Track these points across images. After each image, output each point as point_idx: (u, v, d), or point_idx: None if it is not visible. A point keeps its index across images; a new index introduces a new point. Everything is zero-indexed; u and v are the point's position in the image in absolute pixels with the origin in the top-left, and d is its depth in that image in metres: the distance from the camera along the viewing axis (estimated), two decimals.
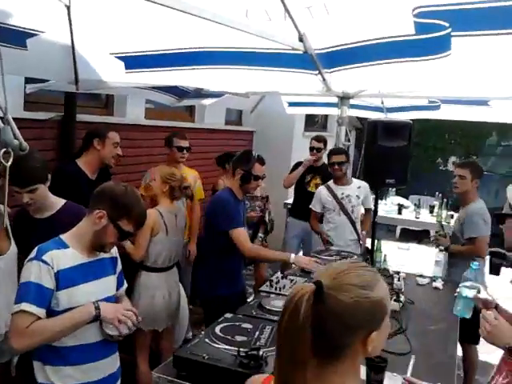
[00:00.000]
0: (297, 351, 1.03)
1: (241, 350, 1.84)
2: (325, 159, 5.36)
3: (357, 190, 4.39)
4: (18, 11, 2.38)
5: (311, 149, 5.33)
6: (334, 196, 4.35)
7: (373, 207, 4.47)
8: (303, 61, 2.80)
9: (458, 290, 2.43)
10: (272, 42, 2.53)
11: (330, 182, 4.46)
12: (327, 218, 4.44)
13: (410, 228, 8.71)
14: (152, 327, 3.15)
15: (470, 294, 2.28)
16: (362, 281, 1.10)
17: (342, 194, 4.35)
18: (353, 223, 4.33)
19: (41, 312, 1.86)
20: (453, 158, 11.47)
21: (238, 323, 2.19)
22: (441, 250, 3.90)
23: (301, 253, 5.34)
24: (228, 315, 2.30)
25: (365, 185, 4.46)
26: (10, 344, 1.91)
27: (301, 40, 2.55)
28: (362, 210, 4.60)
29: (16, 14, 2.40)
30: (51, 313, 1.90)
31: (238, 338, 2.02)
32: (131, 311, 2.08)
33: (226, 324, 2.17)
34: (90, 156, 3.29)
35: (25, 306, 1.83)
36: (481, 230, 3.67)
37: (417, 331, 2.61)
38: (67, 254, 1.96)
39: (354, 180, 4.49)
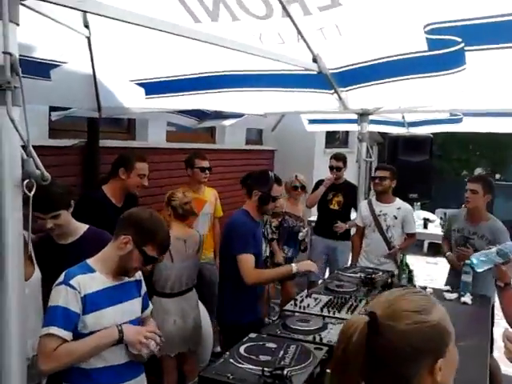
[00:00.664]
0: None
1: (265, 369, 1.84)
2: (346, 176, 5.40)
3: (396, 210, 4.30)
4: (41, 44, 2.48)
5: (331, 168, 5.29)
6: (372, 211, 4.31)
7: (415, 231, 4.44)
8: (318, 81, 2.83)
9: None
10: (287, 64, 2.56)
11: (373, 198, 4.43)
12: (365, 233, 4.40)
13: (438, 242, 8.56)
14: (164, 352, 3.10)
15: (497, 258, 2.22)
16: (416, 306, 1.07)
17: (380, 211, 4.29)
18: (387, 242, 4.25)
19: (68, 335, 1.92)
20: (478, 170, 11.30)
21: (262, 343, 2.18)
22: (468, 265, 3.79)
23: (327, 271, 5.32)
24: (252, 335, 2.29)
25: (407, 207, 4.36)
26: (38, 367, 1.95)
27: (315, 61, 2.58)
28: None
29: (39, 47, 2.50)
30: (78, 335, 1.96)
31: (263, 358, 2.01)
32: (154, 333, 2.10)
33: (250, 344, 2.17)
34: (115, 184, 3.27)
35: (53, 330, 1.89)
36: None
37: None
38: (94, 279, 2.02)
39: (398, 200, 4.37)
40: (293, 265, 3.06)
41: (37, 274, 2.35)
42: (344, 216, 5.18)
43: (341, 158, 5.31)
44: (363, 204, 4.44)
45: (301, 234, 4.91)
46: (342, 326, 1.09)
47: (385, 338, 1.03)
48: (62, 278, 1.98)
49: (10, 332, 1.44)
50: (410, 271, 3.92)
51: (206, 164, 4.36)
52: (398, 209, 4.30)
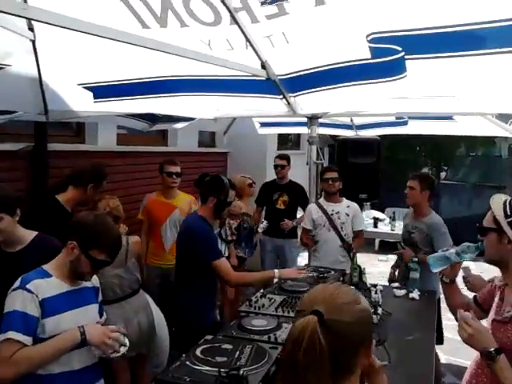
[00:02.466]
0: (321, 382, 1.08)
1: (221, 370, 1.86)
2: (291, 178, 5.52)
3: (346, 208, 4.42)
4: None
5: (275, 167, 5.49)
6: (324, 211, 4.39)
7: (363, 228, 4.59)
8: (267, 86, 2.88)
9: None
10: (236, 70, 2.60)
11: (321, 199, 4.53)
12: (317, 233, 4.44)
13: (388, 240, 8.85)
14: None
15: (453, 256, 2.28)
16: (350, 297, 1.17)
17: (332, 210, 4.39)
18: (342, 240, 4.36)
19: (27, 340, 1.88)
20: (425, 170, 11.72)
21: (218, 344, 2.20)
22: (417, 260, 3.93)
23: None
24: (208, 337, 2.31)
25: (354, 205, 4.50)
26: None
27: (263, 67, 2.63)
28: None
29: None
30: (37, 340, 1.92)
31: (219, 359, 2.03)
32: (118, 331, 2.07)
33: (206, 346, 2.18)
34: (75, 194, 3.09)
35: (11, 334, 1.85)
36: (450, 240, 3.82)
37: (395, 342, 2.65)
38: (50, 283, 2.00)
39: (345, 200, 4.51)
40: (275, 271, 3.09)
41: None
42: (290, 215, 5.34)
43: (284, 158, 5.53)
44: (312, 207, 4.51)
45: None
46: (291, 330, 1.13)
47: (334, 332, 1.10)
48: (17, 283, 1.95)
49: None
50: (361, 269, 4.04)
51: (173, 169, 4.36)
52: (348, 207, 4.44)
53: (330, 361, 1.08)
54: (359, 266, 3.91)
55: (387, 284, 3.94)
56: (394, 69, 2.36)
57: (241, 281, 3.23)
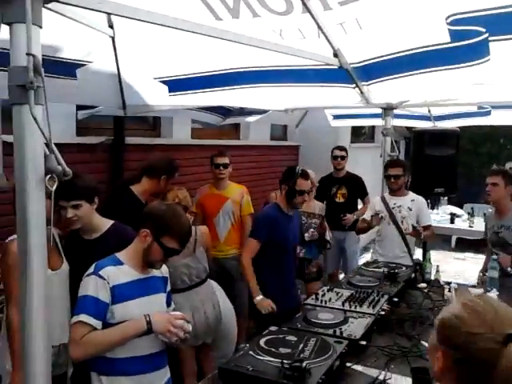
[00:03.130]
0: None
1: (284, 361, 1.85)
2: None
3: (410, 202, 4.27)
4: (66, 45, 2.55)
5: (334, 157, 5.47)
6: (386, 205, 4.28)
7: (430, 223, 4.38)
8: (340, 75, 2.82)
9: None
10: (308, 59, 2.56)
11: (386, 193, 4.41)
12: (379, 227, 4.35)
13: (465, 237, 8.42)
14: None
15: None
16: None
17: (394, 204, 4.27)
18: (402, 234, 4.23)
19: (97, 323, 1.99)
20: (510, 164, 11.01)
21: (282, 336, 2.20)
22: (496, 259, 3.73)
23: (341, 262, 5.37)
24: (273, 328, 2.32)
25: (420, 199, 4.33)
26: (68, 353, 2.02)
27: (335, 55, 2.57)
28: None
29: (65, 48, 2.57)
30: (106, 325, 2.03)
31: (282, 350, 2.03)
32: (182, 319, 2.14)
33: (270, 337, 2.19)
34: (148, 186, 3.30)
35: (83, 317, 1.97)
36: None
37: None
38: (122, 271, 2.10)
39: (410, 193, 4.36)
40: (258, 297, 3.25)
41: (65, 265, 2.45)
42: (350, 207, 5.28)
43: (343, 148, 5.53)
44: (376, 200, 4.41)
45: (306, 234, 4.72)
46: (503, 364, 0.99)
47: None
48: (91, 269, 2.06)
49: (34, 320, 1.49)
50: (436, 266, 3.88)
51: (221, 160, 4.37)
52: (412, 201, 4.27)
53: None
54: (431, 263, 3.77)
55: (462, 282, 3.75)
56: (477, 52, 2.22)
57: (244, 269, 3.37)
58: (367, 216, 4.38)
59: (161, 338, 2.12)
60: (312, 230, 4.74)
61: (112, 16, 2.52)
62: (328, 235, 4.87)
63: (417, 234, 4.12)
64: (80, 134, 3.94)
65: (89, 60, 2.80)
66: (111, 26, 2.66)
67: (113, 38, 2.73)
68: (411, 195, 4.32)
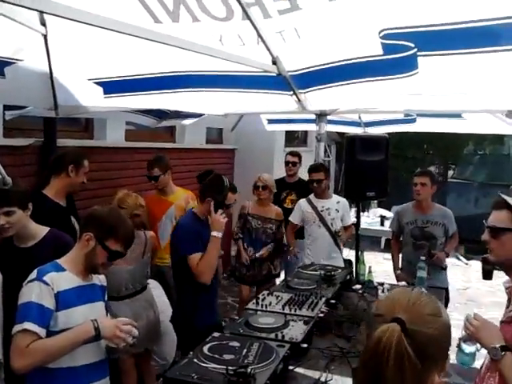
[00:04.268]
0: None
1: (229, 368, 1.86)
2: (300, 175, 5.51)
3: (336, 204, 4.50)
4: None
5: (286, 163, 5.51)
6: (314, 208, 4.44)
7: (352, 222, 4.67)
8: (277, 82, 2.88)
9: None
10: (246, 66, 2.59)
11: (311, 196, 4.55)
12: (307, 230, 4.53)
13: None
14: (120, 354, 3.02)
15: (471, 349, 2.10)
16: (433, 309, 1.12)
17: (322, 206, 4.44)
18: (333, 236, 4.40)
19: (42, 331, 1.90)
20: (432, 168, 11.68)
21: (225, 342, 2.20)
22: (424, 259, 3.94)
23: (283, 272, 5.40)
24: (216, 334, 2.31)
25: (344, 201, 4.58)
26: (11, 365, 1.90)
27: (274, 63, 2.62)
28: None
29: None
30: (49, 333, 1.93)
31: (227, 357, 2.02)
32: (130, 324, 2.10)
33: (213, 343, 2.18)
34: (59, 182, 3.03)
35: (27, 325, 1.86)
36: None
37: None
38: (64, 277, 2.03)
39: (334, 195, 4.61)
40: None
41: None
42: None
43: (296, 155, 5.55)
44: (302, 202, 4.57)
45: (257, 254, 4.75)
46: (372, 340, 1.07)
47: (416, 343, 1.05)
48: (33, 275, 1.97)
49: None
50: (370, 268, 4.04)
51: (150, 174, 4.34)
52: (338, 203, 4.51)
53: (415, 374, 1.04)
54: (365, 264, 3.92)
55: (393, 283, 3.93)
56: (406, 65, 2.35)
57: (204, 269, 2.91)
58: (293, 219, 4.56)
59: (107, 343, 2.07)
60: (263, 250, 4.78)
61: (45, 14, 2.42)
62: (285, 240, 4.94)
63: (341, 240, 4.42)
64: (7, 136, 3.73)
65: (19, 58, 2.67)
66: (43, 24, 2.56)
67: (45, 37, 2.63)
68: (335, 197, 4.57)
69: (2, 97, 3.01)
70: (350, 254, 4.84)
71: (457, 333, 2.49)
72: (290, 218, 4.65)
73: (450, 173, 12.30)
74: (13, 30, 2.34)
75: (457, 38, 2.04)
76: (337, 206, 4.47)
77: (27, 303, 1.91)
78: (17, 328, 1.88)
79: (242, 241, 4.88)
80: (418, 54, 2.23)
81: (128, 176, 4.99)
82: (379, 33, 2.19)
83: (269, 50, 2.53)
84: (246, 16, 2.23)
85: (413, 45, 2.19)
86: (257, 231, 4.82)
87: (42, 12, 2.25)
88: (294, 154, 5.54)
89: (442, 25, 2.03)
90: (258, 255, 4.77)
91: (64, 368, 2.00)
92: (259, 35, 2.37)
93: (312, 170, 4.46)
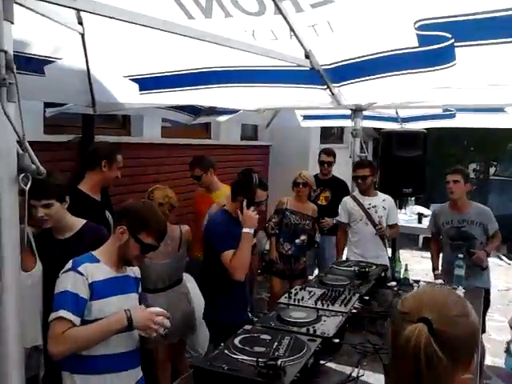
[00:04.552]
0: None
1: (259, 360, 1.86)
2: (334, 172, 5.44)
3: (382, 202, 4.35)
4: (35, 41, 2.50)
5: (321, 162, 5.40)
6: (361, 205, 4.32)
7: (399, 222, 4.48)
8: (311, 77, 2.85)
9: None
10: (279, 60, 2.59)
11: (356, 193, 4.45)
12: (353, 228, 4.39)
13: None
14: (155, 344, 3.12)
15: None
16: (462, 310, 1.11)
17: (369, 204, 4.31)
18: (380, 234, 4.29)
19: (76, 320, 1.96)
20: (473, 166, 11.35)
21: (256, 334, 2.21)
22: (462, 257, 3.85)
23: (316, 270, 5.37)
24: (247, 327, 2.32)
25: (390, 199, 4.41)
26: (38, 356, 1.96)
27: (307, 57, 2.60)
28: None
29: (33, 44, 2.52)
30: (83, 322, 2.00)
31: (257, 349, 2.03)
32: (162, 315, 2.13)
33: (245, 335, 2.19)
34: (94, 178, 3.08)
35: (62, 313, 1.93)
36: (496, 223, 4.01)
37: None
38: (98, 268, 2.09)
39: (379, 193, 4.44)
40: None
41: (38, 266, 2.41)
42: (332, 211, 5.13)
43: (331, 153, 5.42)
44: (348, 200, 4.45)
45: (297, 240, 4.73)
46: (400, 340, 1.08)
47: (443, 343, 1.05)
48: (69, 265, 2.04)
49: (7, 323, 1.46)
50: (406, 266, 3.97)
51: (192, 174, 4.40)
52: (384, 200, 4.36)
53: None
54: (400, 261, 3.85)
55: (430, 281, 3.86)
56: (443, 57, 2.29)
57: (239, 266, 2.92)
58: (340, 217, 4.47)
59: (140, 333, 2.12)
60: (303, 236, 4.74)
61: (82, 13, 2.48)
62: (318, 237, 4.93)
63: (383, 233, 4.25)
64: (48, 132, 3.86)
65: (57, 57, 2.75)
66: (81, 23, 2.62)
67: (82, 35, 2.70)
68: (381, 195, 4.41)
69: (43, 94, 3.11)
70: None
71: (499, 335, 2.40)
72: (338, 219, 4.56)
73: (492, 170, 11.90)
74: (51, 29, 2.41)
75: (497, 27, 1.97)
76: (383, 204, 4.32)
77: (63, 292, 1.97)
78: (53, 316, 1.95)
79: (276, 237, 4.86)
80: (456, 44, 2.17)
81: (164, 172, 5.07)
82: (414, 24, 2.14)
83: (301, 44, 2.52)
84: (279, 10, 2.22)
85: (449, 35, 2.12)
86: (296, 227, 4.79)
87: (80, 10, 2.30)
88: (329, 154, 5.40)
89: (480, 13, 1.96)
90: (297, 241, 4.72)
91: (97, 355, 2.05)
92: (292, 29, 2.36)
93: (357, 165, 4.36)
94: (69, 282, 1.99)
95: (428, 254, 4.89)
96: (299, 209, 4.79)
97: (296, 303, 2.74)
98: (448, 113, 5.18)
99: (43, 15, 2.01)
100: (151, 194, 3.39)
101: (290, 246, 4.76)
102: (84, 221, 2.55)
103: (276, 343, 2.09)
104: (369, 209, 4.30)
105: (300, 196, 4.77)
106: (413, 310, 1.11)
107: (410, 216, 7.46)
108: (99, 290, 2.04)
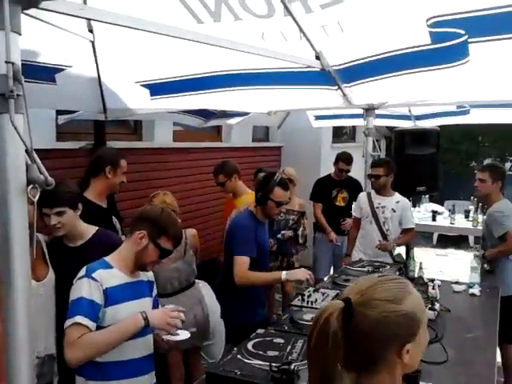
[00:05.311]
0: (329, 367, 1.08)
1: (273, 364, 1.85)
2: (354, 170, 5.41)
3: (395, 204, 4.27)
4: (45, 49, 2.51)
5: (340, 170, 5.36)
6: (370, 203, 4.31)
7: (412, 226, 4.35)
8: (322, 77, 2.83)
9: None
10: (290, 62, 2.57)
11: (372, 190, 4.42)
12: (362, 224, 4.41)
13: (447, 234, 8.53)
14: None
15: None
16: (389, 295, 1.13)
17: (379, 204, 4.28)
18: (383, 235, 4.25)
19: (92, 325, 1.97)
20: (488, 161, 11.19)
21: (269, 338, 2.20)
22: (477, 256, 3.82)
23: (332, 268, 5.33)
24: (260, 331, 2.32)
25: (405, 201, 4.34)
26: (51, 364, 1.95)
27: (317, 58, 2.58)
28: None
29: (44, 52, 2.53)
30: (96, 328, 2.00)
31: (270, 353, 2.03)
32: (177, 310, 2.17)
33: (258, 339, 2.19)
34: (99, 184, 3.03)
35: (78, 319, 1.94)
36: (507, 226, 3.68)
37: (453, 340, 2.56)
38: (112, 274, 2.10)
39: (397, 194, 4.35)
40: (283, 272, 3.02)
41: (51, 274, 2.42)
42: (350, 212, 5.17)
43: (351, 162, 5.36)
44: (363, 195, 4.46)
45: (279, 235, 4.72)
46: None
47: (358, 324, 1.09)
48: (83, 272, 2.05)
49: (17, 333, 1.46)
50: (420, 263, 3.92)
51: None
52: (397, 202, 4.29)
53: (344, 349, 1.07)
54: (414, 260, 3.81)
55: (445, 279, 3.81)
56: (456, 54, 2.25)
57: (243, 280, 2.97)
58: (354, 212, 4.49)
59: (158, 332, 2.14)
60: (286, 231, 4.74)
61: (92, 21, 2.49)
62: (301, 232, 4.84)
63: (385, 249, 4.14)
64: (60, 140, 3.88)
65: (68, 64, 2.76)
66: (91, 31, 2.63)
67: (93, 43, 2.70)
68: (397, 196, 4.33)
69: (54, 102, 3.13)
70: (400, 248, 4.71)
71: None
72: (352, 212, 4.60)
73: (507, 165, 11.73)
74: (62, 37, 2.42)
75: (508, 22, 1.93)
76: (394, 206, 4.25)
77: (78, 299, 1.98)
78: (69, 322, 1.96)
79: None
80: (469, 40, 2.13)
81: (176, 176, 5.07)
82: (426, 21, 2.10)
83: (312, 45, 2.49)
84: (288, 12, 2.20)
85: (463, 31, 2.09)
86: (279, 223, 4.76)
87: (88, 19, 2.30)
88: (348, 163, 5.33)
89: (493, 8, 1.92)
90: (279, 236, 4.71)
91: (112, 362, 2.06)
92: (301, 31, 2.34)
93: (373, 164, 4.33)
94: (83, 288, 2.00)
95: (442, 252, 4.83)
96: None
97: (309, 305, 2.72)
98: (462, 109, 5.11)
99: (52, 24, 2.01)
100: (151, 201, 3.39)
101: (274, 242, 4.70)
102: (96, 228, 2.55)
103: (289, 347, 2.08)
104: (377, 208, 4.27)
105: None
106: (344, 293, 1.16)
107: (424, 213, 7.39)
108: (113, 295, 2.05)
